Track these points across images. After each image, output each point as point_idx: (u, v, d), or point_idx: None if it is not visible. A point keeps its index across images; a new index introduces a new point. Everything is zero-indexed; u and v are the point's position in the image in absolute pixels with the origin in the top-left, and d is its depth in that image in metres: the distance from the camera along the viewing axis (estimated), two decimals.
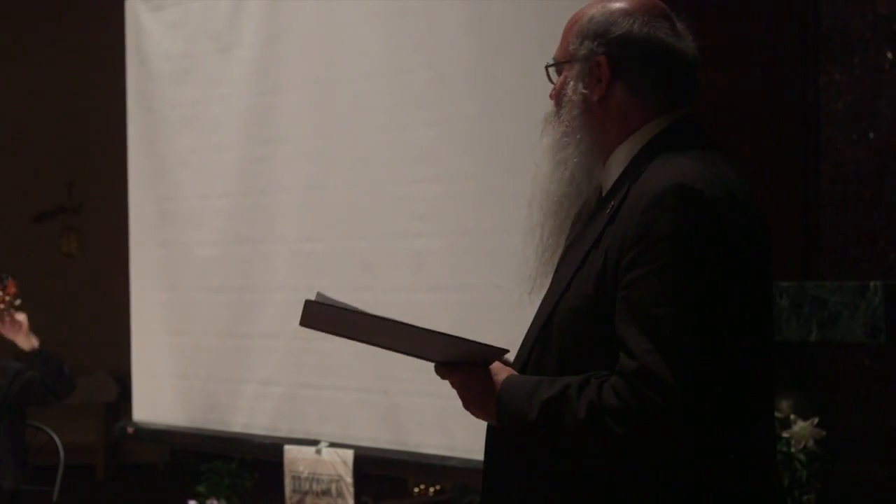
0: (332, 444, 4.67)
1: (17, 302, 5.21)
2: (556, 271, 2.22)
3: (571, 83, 2.23)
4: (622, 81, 2.20)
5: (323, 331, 2.23)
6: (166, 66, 5.48)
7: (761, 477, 2.11)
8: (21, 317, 5.18)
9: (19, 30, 10.02)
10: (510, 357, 2.26)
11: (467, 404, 2.20)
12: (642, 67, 2.20)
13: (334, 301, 2.16)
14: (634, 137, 2.19)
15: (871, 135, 4.46)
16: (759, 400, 2.10)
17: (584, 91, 2.21)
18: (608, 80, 2.20)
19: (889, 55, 4.42)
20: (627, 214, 2.05)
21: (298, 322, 2.17)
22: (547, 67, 2.31)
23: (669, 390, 1.92)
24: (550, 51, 2.33)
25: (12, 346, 5.21)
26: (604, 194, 2.21)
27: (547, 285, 2.25)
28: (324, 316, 2.17)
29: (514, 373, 2.16)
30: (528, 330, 2.23)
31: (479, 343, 2.19)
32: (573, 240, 2.20)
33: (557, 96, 2.26)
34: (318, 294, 2.16)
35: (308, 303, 2.13)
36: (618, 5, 2.23)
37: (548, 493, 2.10)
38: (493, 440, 2.23)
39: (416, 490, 6.72)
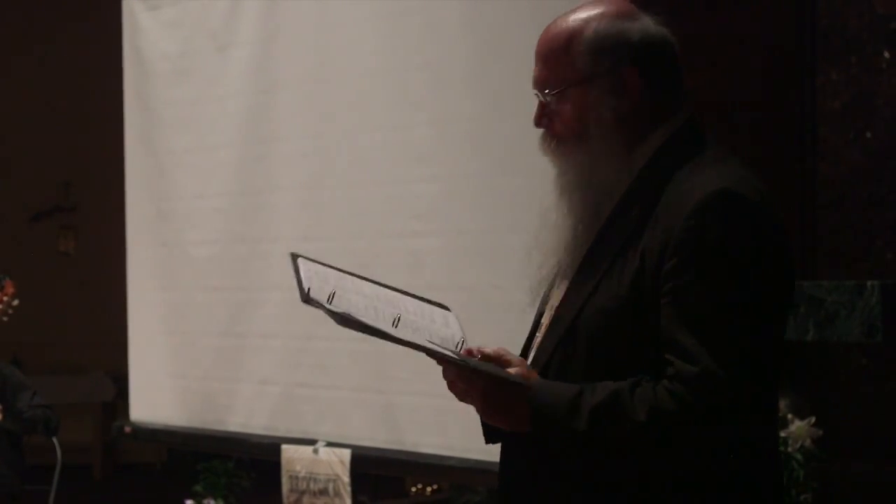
0: (330, 444, 4.67)
1: (15, 302, 5.19)
2: (574, 277, 2.14)
3: (600, 103, 2.11)
4: (647, 87, 2.12)
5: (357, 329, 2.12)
6: (163, 66, 5.47)
7: (778, 471, 2.16)
8: None
9: (16, 29, 10.01)
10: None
11: (489, 411, 2.09)
12: (663, 69, 2.14)
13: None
14: (647, 141, 2.13)
15: (869, 134, 4.46)
16: (777, 395, 2.17)
17: (614, 107, 2.11)
18: (639, 89, 2.11)
19: (886, 55, 4.42)
20: (666, 219, 2.02)
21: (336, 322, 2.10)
22: (547, 94, 2.13)
23: (733, 391, 1.94)
24: None
25: (9, 347, 5.18)
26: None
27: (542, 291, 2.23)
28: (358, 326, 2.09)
29: (538, 377, 2.09)
30: (545, 335, 2.17)
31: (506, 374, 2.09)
32: (592, 244, 2.13)
33: (577, 122, 2.12)
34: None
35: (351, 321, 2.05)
36: (612, 10, 2.14)
37: (572, 495, 2.08)
38: (510, 444, 2.19)
39: (414, 489, 6.73)
